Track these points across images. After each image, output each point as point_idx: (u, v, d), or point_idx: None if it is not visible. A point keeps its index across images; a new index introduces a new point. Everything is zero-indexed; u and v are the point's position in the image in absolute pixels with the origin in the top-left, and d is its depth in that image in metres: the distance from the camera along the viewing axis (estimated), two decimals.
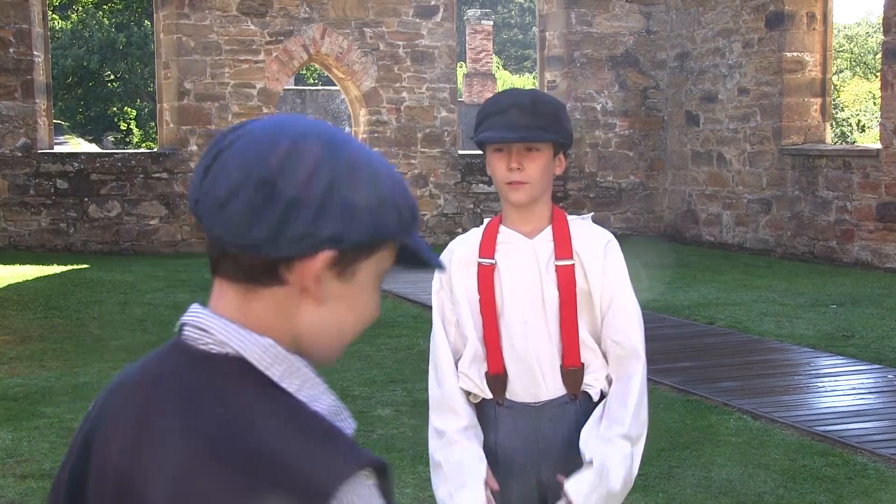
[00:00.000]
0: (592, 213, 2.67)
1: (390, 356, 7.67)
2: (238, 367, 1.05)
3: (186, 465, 0.99)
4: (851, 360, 7.53)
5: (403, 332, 8.65)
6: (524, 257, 2.49)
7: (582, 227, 2.53)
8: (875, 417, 6.09)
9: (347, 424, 1.09)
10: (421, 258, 1.14)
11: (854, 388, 6.76)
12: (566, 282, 2.46)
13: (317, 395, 1.08)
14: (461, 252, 2.56)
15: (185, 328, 1.10)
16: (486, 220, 2.61)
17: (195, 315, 1.09)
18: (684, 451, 5.35)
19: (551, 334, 2.48)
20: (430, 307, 9.01)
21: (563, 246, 2.48)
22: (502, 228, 2.53)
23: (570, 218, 2.54)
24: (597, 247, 2.49)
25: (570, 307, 2.46)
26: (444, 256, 2.59)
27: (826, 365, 7.45)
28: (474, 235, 2.58)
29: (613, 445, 2.39)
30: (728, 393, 6.55)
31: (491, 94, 24.23)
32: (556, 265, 2.47)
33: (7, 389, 6.67)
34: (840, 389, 6.76)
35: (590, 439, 2.42)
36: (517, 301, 2.48)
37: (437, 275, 2.60)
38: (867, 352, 7.75)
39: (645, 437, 2.49)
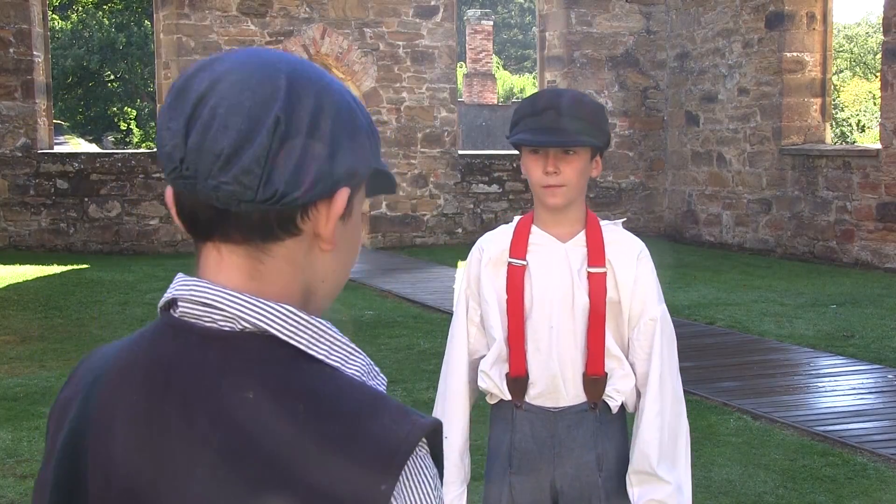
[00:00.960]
0: (624, 220, 2.64)
1: (390, 356, 7.67)
2: (260, 343, 0.93)
3: (218, 469, 0.88)
4: (851, 360, 7.53)
5: (403, 332, 8.65)
6: (556, 261, 2.46)
7: (615, 234, 2.50)
8: (875, 417, 6.09)
9: (380, 381, 1.00)
10: (389, 180, 1.06)
11: (854, 388, 6.77)
12: (597, 289, 2.43)
13: (346, 357, 0.98)
14: (492, 251, 2.52)
15: (181, 304, 0.97)
16: (515, 218, 2.57)
17: (192, 288, 0.96)
18: None
19: (578, 341, 2.45)
20: (431, 307, 9.01)
21: (596, 252, 2.44)
22: (534, 229, 2.50)
23: (602, 223, 2.51)
24: (629, 257, 2.47)
25: (599, 315, 2.43)
26: (475, 254, 2.56)
27: (826, 365, 7.45)
28: (504, 233, 2.54)
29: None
30: (728, 393, 6.55)
31: (491, 94, 24.05)
32: (589, 272, 2.44)
33: (7, 389, 6.67)
34: (840, 389, 6.76)
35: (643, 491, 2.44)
36: (546, 304, 2.45)
37: (464, 273, 2.58)
38: (867, 352, 7.75)
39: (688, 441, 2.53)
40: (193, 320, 0.96)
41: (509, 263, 2.48)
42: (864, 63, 41.69)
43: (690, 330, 8.70)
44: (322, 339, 0.97)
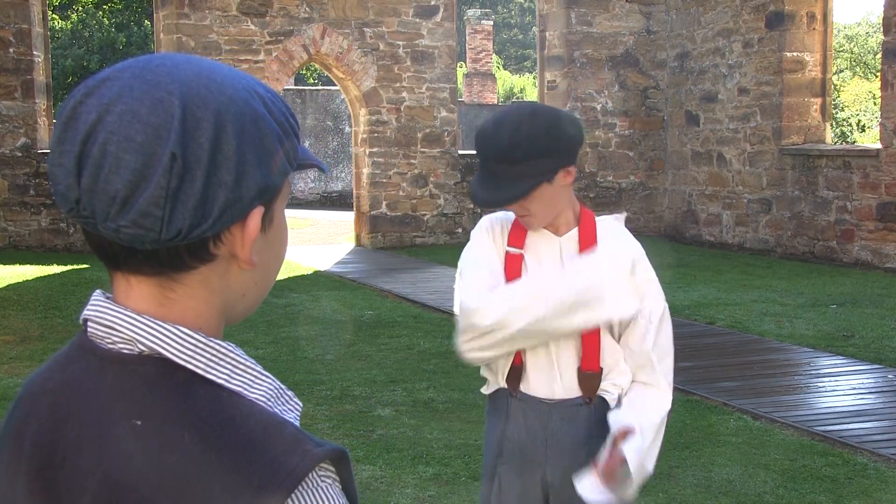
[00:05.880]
0: (626, 214, 2.61)
1: (390, 356, 7.67)
2: (155, 367, 0.90)
3: (104, 496, 0.86)
4: (851, 360, 7.53)
5: (403, 332, 8.65)
6: (550, 253, 2.48)
7: (609, 232, 2.49)
8: (875, 417, 6.09)
9: (292, 406, 0.97)
10: (315, 167, 1.00)
11: (854, 388, 6.76)
12: None
13: (251, 381, 0.93)
14: (497, 230, 2.53)
15: (89, 325, 0.94)
16: None
17: (97, 309, 0.94)
18: (684, 451, 5.35)
19: (573, 336, 2.45)
20: (431, 307, 8.96)
21: (587, 248, 2.46)
22: None
23: (600, 219, 2.51)
24: (623, 263, 2.44)
25: None
26: (483, 226, 2.55)
27: (826, 365, 7.45)
28: (507, 219, 2.53)
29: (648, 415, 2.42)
30: (728, 393, 6.55)
31: (491, 94, 23.81)
32: None
33: (7, 389, 6.67)
34: (840, 389, 6.76)
35: (620, 415, 2.42)
36: None
37: (479, 239, 2.53)
38: (867, 352, 7.75)
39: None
40: (98, 342, 0.93)
41: (507, 252, 2.50)
42: (864, 63, 41.66)
43: (690, 330, 8.70)
44: (222, 363, 0.92)
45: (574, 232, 2.48)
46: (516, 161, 2.31)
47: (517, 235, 2.50)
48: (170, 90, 0.88)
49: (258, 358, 7.44)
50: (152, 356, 0.91)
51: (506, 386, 2.52)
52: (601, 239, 2.47)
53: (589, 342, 2.45)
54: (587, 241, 2.46)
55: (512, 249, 2.49)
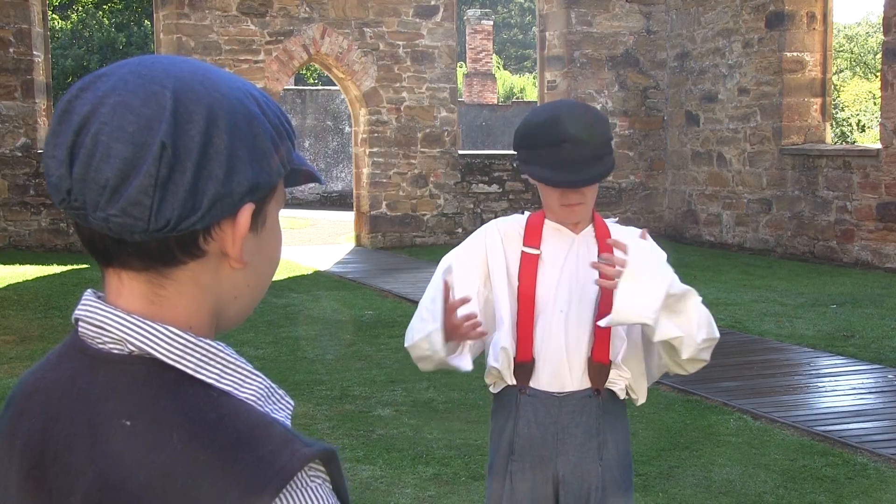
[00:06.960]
0: (616, 219, 2.74)
1: (390, 356, 7.66)
2: (145, 367, 0.90)
3: (91, 499, 0.87)
4: (851, 360, 7.53)
5: (403, 332, 8.60)
6: (570, 250, 2.55)
7: (617, 227, 2.62)
8: (875, 417, 6.09)
9: (283, 405, 0.97)
10: (313, 176, 1.01)
11: (854, 388, 6.76)
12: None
13: (241, 381, 0.93)
14: (510, 238, 2.58)
15: (80, 324, 0.94)
16: (525, 213, 2.65)
17: (88, 308, 0.94)
18: (684, 451, 5.35)
19: (585, 326, 2.51)
20: None
21: (604, 244, 2.53)
22: (547, 222, 2.58)
23: (605, 220, 2.63)
24: (634, 237, 2.54)
25: (608, 302, 2.47)
26: (493, 235, 2.59)
27: (826, 365, 7.45)
28: (517, 222, 2.61)
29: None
30: (728, 393, 6.55)
31: (491, 94, 23.69)
32: None
33: (7, 390, 6.67)
34: (840, 389, 6.76)
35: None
36: (562, 291, 2.52)
37: (479, 242, 2.60)
38: (867, 352, 7.75)
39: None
40: (89, 341, 0.93)
41: (523, 252, 2.55)
42: (864, 63, 41.64)
43: None
44: (212, 363, 0.92)
45: (590, 229, 2.57)
46: (595, 142, 2.42)
47: (532, 236, 2.56)
48: (163, 84, 0.89)
49: (258, 358, 7.45)
50: (142, 356, 0.91)
51: (514, 383, 2.55)
52: (614, 233, 2.56)
53: (601, 332, 2.50)
54: (603, 236, 2.55)
55: (529, 249, 2.55)
